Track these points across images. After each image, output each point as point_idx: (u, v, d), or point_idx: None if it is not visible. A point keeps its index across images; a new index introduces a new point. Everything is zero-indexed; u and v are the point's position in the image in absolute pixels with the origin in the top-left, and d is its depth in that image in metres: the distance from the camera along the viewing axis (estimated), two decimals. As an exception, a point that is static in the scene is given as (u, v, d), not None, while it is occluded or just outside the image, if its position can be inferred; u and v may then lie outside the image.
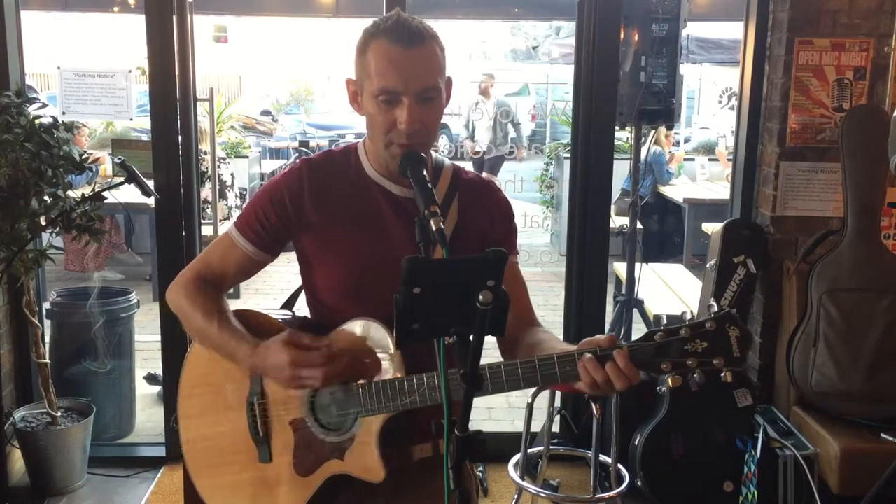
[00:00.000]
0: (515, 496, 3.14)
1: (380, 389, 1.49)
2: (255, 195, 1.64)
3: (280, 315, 1.70)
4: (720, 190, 7.10)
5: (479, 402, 1.63)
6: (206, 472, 1.67)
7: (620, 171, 5.81)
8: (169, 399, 3.66)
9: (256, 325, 1.63)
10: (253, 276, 1.72)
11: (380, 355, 1.51)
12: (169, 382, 3.65)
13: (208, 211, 5.81)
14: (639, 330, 4.24)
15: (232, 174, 7.08)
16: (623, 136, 6.26)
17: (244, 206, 1.77)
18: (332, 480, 1.57)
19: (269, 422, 1.61)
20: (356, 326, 1.53)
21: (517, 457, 3.12)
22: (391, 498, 1.59)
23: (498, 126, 7.86)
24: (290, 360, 1.47)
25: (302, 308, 1.78)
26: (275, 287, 6.55)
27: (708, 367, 1.34)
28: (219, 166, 6.78)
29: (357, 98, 1.56)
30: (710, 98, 10.84)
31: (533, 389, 2.92)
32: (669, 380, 1.36)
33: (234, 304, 1.68)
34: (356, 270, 1.57)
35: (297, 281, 1.74)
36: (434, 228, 1.35)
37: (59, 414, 3.36)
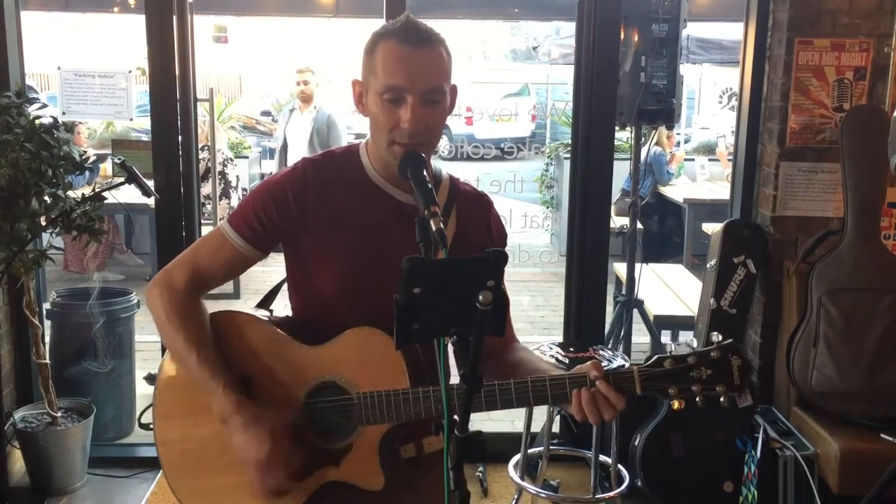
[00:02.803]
0: (515, 496, 3.14)
1: (382, 400, 1.47)
2: (253, 192, 1.62)
3: (267, 316, 1.67)
4: (720, 190, 7.10)
5: (479, 403, 1.61)
6: (185, 474, 1.61)
7: (620, 171, 5.80)
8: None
9: (243, 330, 1.59)
10: (243, 275, 1.69)
11: (384, 365, 1.49)
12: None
13: (209, 207, 5.81)
14: (639, 330, 4.24)
15: (237, 176, 7.09)
16: (623, 136, 6.26)
17: (239, 203, 1.73)
18: (325, 486, 1.55)
19: None
20: (360, 334, 1.52)
21: (517, 457, 3.12)
22: (379, 499, 1.57)
23: (317, 146, 6.08)
24: (269, 452, 1.47)
25: (278, 307, 1.75)
26: (275, 287, 6.54)
27: (710, 392, 1.41)
28: (225, 166, 6.80)
29: (362, 99, 1.56)
30: (710, 98, 10.84)
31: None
32: (675, 403, 1.43)
33: (234, 305, 1.67)
34: (355, 273, 1.56)
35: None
36: (434, 228, 1.34)
37: (59, 414, 3.36)
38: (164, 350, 1.63)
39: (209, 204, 5.77)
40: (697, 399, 1.42)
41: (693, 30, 8.11)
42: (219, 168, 6.39)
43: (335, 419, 1.53)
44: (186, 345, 1.53)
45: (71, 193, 3.22)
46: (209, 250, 1.61)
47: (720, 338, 1.45)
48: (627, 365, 1.76)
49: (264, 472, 1.48)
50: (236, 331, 1.59)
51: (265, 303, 1.79)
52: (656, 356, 1.44)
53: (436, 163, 1.67)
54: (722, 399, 1.41)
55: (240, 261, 1.60)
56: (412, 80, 1.47)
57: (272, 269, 1.94)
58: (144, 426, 1.68)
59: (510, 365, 1.57)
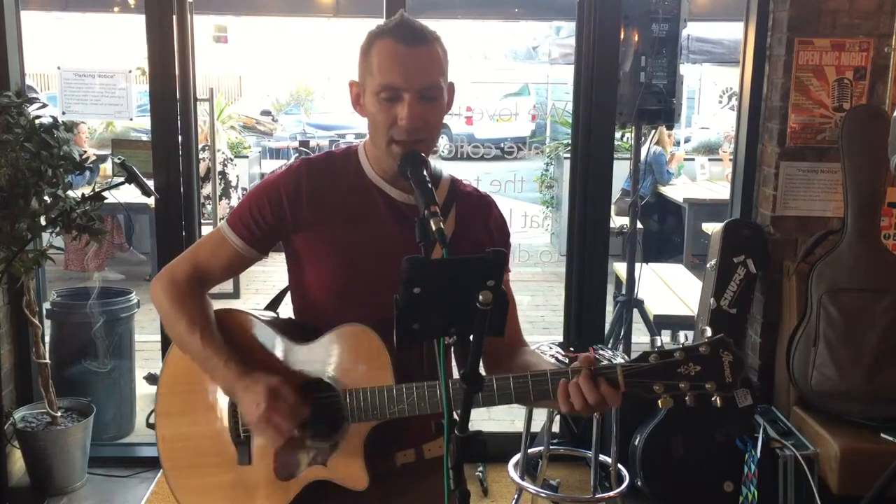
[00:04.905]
0: (515, 496, 3.14)
1: (368, 397, 1.47)
2: (251, 192, 1.62)
3: (264, 315, 1.68)
4: (720, 190, 7.10)
5: (479, 402, 1.60)
6: (182, 472, 1.63)
7: (620, 171, 5.80)
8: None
9: (238, 327, 1.61)
10: (244, 273, 1.70)
11: (370, 362, 1.49)
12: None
13: (208, 207, 5.82)
14: (639, 330, 4.24)
15: (237, 176, 7.09)
16: (620, 134, 6.26)
17: (238, 202, 1.75)
18: (315, 487, 1.54)
19: None
20: (348, 332, 1.51)
21: (517, 457, 3.12)
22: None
23: None
24: (266, 408, 1.46)
25: (286, 310, 1.75)
26: (275, 287, 6.46)
27: (700, 390, 1.36)
28: (226, 166, 6.81)
29: (360, 100, 1.55)
30: (710, 98, 10.85)
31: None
32: (660, 401, 1.37)
33: (233, 305, 1.67)
34: (349, 271, 1.56)
35: (296, 281, 1.73)
36: (434, 228, 1.34)
37: (59, 414, 3.36)
38: (164, 350, 1.64)
39: (209, 204, 5.77)
40: (687, 397, 1.35)
41: (693, 30, 8.11)
42: (219, 168, 6.41)
43: (322, 417, 1.53)
44: (189, 329, 1.56)
45: (71, 193, 3.22)
46: (209, 249, 1.63)
47: (710, 333, 1.41)
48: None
49: (270, 428, 1.48)
50: (230, 328, 1.60)
51: (273, 305, 1.80)
52: (642, 352, 1.39)
53: (436, 163, 1.66)
54: (714, 398, 1.35)
55: (238, 260, 1.62)
56: (408, 77, 1.46)
57: (272, 269, 1.95)
58: (151, 426, 1.70)
59: (518, 368, 1.53)
